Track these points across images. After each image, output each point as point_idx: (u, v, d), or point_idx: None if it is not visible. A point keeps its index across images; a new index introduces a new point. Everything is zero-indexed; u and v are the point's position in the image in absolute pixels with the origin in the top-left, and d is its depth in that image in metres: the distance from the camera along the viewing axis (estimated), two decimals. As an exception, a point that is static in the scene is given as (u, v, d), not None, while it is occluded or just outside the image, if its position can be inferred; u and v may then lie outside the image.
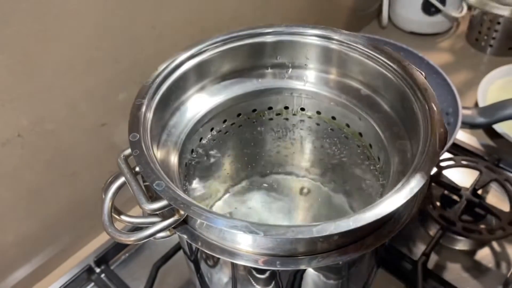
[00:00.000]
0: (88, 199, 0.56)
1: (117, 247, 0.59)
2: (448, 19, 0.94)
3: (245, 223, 0.28)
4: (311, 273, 0.37)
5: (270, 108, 0.47)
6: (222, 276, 0.41)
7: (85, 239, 0.61)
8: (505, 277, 0.56)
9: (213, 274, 0.42)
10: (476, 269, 0.57)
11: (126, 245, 0.59)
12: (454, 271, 0.57)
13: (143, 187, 0.33)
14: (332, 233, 0.28)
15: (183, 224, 0.33)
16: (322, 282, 0.39)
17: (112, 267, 0.59)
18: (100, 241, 0.60)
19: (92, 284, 0.57)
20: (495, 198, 0.63)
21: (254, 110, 0.47)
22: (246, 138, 0.46)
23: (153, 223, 0.33)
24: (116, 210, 0.36)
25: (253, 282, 0.38)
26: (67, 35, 0.46)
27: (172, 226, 0.32)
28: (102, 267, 0.58)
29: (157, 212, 0.32)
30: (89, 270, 0.57)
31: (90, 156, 0.56)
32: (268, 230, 0.28)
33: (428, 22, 0.94)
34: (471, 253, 0.58)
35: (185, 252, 0.43)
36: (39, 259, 0.57)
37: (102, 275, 0.58)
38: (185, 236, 0.33)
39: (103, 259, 0.58)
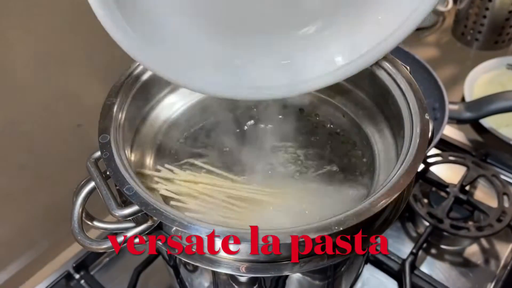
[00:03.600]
0: (65, 202, 0.53)
1: (97, 252, 0.57)
2: (434, 14, 0.93)
3: (220, 228, 0.27)
4: (296, 276, 0.36)
5: (251, 105, 0.46)
6: (202, 281, 0.39)
7: (64, 244, 0.59)
8: (494, 274, 0.55)
9: (193, 279, 0.40)
10: (465, 267, 0.56)
11: (105, 250, 0.57)
12: (442, 269, 0.56)
13: (114, 191, 0.31)
14: (311, 237, 0.26)
15: (158, 230, 0.32)
16: (307, 282, 0.38)
17: (92, 273, 0.57)
18: (79, 246, 0.58)
19: (71, 290, 0.55)
20: (483, 194, 0.62)
21: (235, 108, 0.45)
22: (227, 135, 0.44)
23: (127, 229, 0.31)
24: (88, 215, 0.34)
25: (236, 287, 0.37)
26: (35, 32, 0.44)
27: (146, 233, 0.31)
28: (82, 273, 0.56)
29: (130, 218, 0.31)
30: (68, 277, 0.55)
31: (66, 158, 0.53)
32: (244, 236, 0.26)
33: (414, 17, 0.93)
34: (460, 250, 0.57)
35: (164, 258, 0.41)
36: (15, 266, 0.55)
37: (82, 281, 0.56)
38: (160, 243, 0.31)
39: (82, 264, 0.56)
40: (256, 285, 0.36)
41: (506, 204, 0.57)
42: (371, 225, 0.32)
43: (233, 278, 0.36)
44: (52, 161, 0.52)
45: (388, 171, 0.35)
